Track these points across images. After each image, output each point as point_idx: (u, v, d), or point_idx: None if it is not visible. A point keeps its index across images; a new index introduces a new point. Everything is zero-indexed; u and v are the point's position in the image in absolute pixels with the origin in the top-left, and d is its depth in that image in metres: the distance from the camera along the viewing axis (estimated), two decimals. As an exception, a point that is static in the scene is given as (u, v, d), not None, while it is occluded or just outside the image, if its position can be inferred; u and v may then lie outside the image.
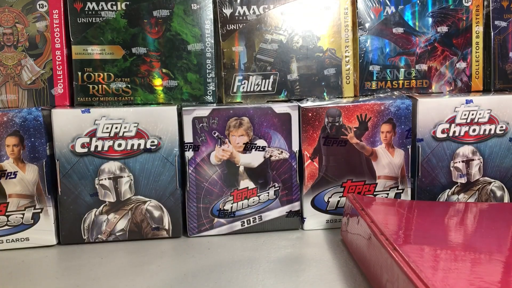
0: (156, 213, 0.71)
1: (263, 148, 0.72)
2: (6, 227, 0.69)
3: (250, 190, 0.72)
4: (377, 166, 0.74)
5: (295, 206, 0.74)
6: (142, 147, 0.70)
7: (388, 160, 0.74)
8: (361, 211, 0.62)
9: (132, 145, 0.70)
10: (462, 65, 0.81)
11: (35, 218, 0.69)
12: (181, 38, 0.75)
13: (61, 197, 0.70)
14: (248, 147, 0.72)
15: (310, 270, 0.60)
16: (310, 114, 0.72)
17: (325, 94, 0.79)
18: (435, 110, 0.74)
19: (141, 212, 0.71)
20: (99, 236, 0.71)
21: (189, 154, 0.71)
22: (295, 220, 0.74)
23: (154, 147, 0.70)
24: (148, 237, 0.72)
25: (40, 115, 0.68)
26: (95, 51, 0.74)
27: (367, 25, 0.79)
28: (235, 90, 0.77)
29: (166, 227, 0.72)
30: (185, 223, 0.73)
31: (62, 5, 0.74)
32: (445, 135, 0.74)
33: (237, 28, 0.77)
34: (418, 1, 0.80)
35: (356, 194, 0.72)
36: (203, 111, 0.71)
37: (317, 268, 0.60)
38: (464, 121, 0.74)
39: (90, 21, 0.74)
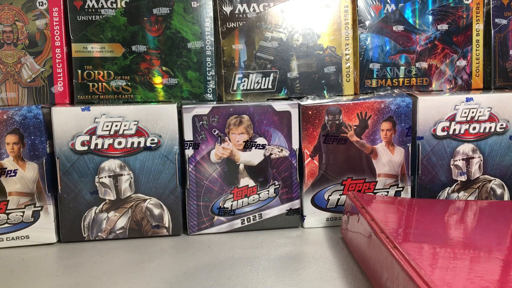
0: (156, 211, 0.71)
1: (263, 146, 0.72)
2: (6, 225, 0.69)
3: (250, 188, 0.72)
4: (377, 164, 0.74)
5: (295, 204, 0.74)
6: (142, 145, 0.70)
7: (388, 158, 0.74)
8: (361, 209, 0.62)
9: (132, 143, 0.70)
10: (462, 63, 0.81)
11: (35, 216, 0.69)
12: (181, 36, 0.75)
13: (61, 195, 0.70)
14: (248, 145, 0.72)
15: (310, 268, 0.60)
16: (310, 112, 0.72)
17: (325, 92, 0.79)
18: (435, 108, 0.74)
19: (141, 210, 0.71)
20: (99, 234, 0.71)
21: (189, 152, 0.71)
22: (295, 218, 0.74)
23: (154, 145, 0.70)
24: (148, 235, 0.72)
25: (40, 113, 0.68)
26: (95, 49, 0.74)
27: (367, 23, 0.79)
28: (235, 88, 0.77)
29: (166, 225, 0.72)
30: (185, 221, 0.73)
31: (62, 3, 0.73)
32: (445, 133, 0.74)
33: (237, 26, 0.77)
34: (418, -1, 0.80)
35: (356, 192, 0.73)
36: (203, 109, 0.71)
37: (317, 266, 0.60)
38: (464, 119, 0.74)
39: (90, 19, 0.74)
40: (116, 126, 0.69)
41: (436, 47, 0.80)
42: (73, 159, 0.69)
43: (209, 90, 0.77)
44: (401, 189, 0.75)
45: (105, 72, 0.75)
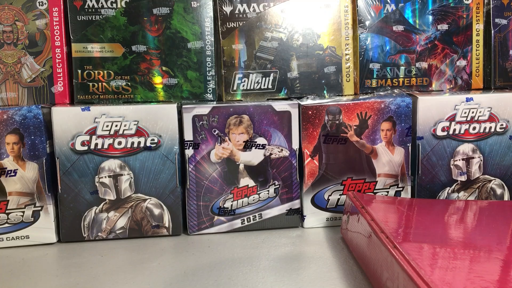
0: (156, 211, 0.71)
1: (263, 146, 0.72)
2: (6, 225, 0.69)
3: (250, 188, 0.72)
4: (377, 164, 0.74)
5: (295, 204, 0.74)
6: (142, 145, 0.70)
7: (388, 158, 0.74)
8: (361, 209, 0.62)
9: (132, 143, 0.70)
10: (462, 63, 0.81)
11: (35, 216, 0.69)
12: (181, 36, 0.75)
13: (61, 195, 0.70)
14: (248, 145, 0.72)
15: (310, 268, 0.60)
16: (310, 112, 0.72)
17: (325, 92, 0.79)
18: (435, 108, 0.74)
19: (141, 210, 0.71)
20: (99, 234, 0.71)
21: (189, 152, 0.71)
22: (295, 218, 0.74)
23: (154, 145, 0.70)
24: (148, 235, 0.72)
25: (40, 113, 0.68)
26: (95, 49, 0.74)
27: (367, 23, 0.79)
28: (235, 88, 0.77)
29: (166, 225, 0.72)
30: (185, 221, 0.73)
31: (62, 3, 0.73)
32: (445, 133, 0.74)
33: (237, 26, 0.77)
34: (418, -1, 0.80)
35: (356, 192, 0.73)
36: (203, 109, 0.71)
37: (317, 266, 0.60)
38: (464, 119, 0.74)
39: (90, 18, 0.74)
40: (116, 126, 0.69)
41: (436, 47, 0.80)
42: (73, 159, 0.69)
43: (209, 90, 0.77)
44: (401, 189, 0.75)
45: (105, 72, 0.75)
